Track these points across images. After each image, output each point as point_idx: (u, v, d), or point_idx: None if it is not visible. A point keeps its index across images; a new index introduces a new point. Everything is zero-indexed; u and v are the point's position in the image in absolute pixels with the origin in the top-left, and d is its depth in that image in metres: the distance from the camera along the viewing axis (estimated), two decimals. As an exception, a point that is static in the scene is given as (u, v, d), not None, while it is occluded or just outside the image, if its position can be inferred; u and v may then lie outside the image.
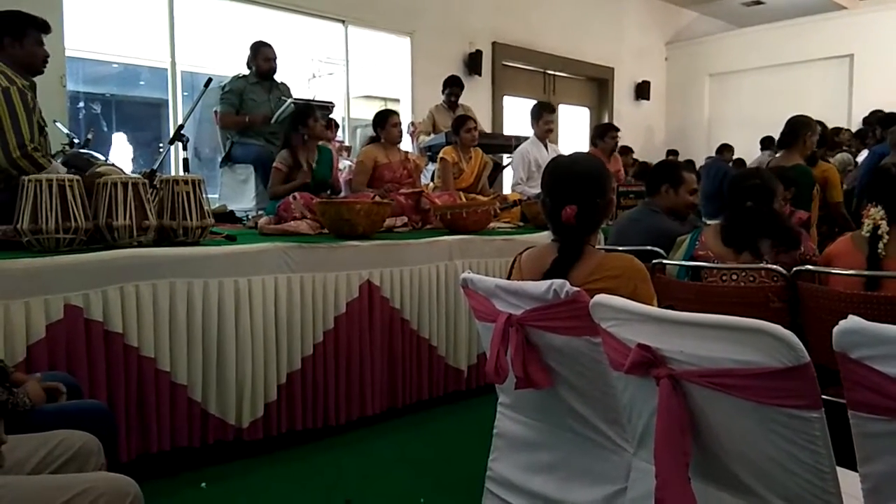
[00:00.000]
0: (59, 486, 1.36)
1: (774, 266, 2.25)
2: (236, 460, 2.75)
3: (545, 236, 3.64)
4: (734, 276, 2.36)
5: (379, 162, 4.38)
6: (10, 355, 2.11)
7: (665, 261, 2.58)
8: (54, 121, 4.46)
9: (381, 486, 2.62)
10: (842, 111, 9.29)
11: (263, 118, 4.68)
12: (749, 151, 8.74)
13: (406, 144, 6.60)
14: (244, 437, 2.76)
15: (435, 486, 2.63)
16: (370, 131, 4.80)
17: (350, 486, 2.59)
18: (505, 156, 6.62)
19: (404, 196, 4.05)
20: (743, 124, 10.01)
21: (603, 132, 5.62)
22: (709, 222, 3.38)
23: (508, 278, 1.88)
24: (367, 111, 7.29)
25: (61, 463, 1.55)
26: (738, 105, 10.58)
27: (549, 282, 1.50)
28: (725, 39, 10.83)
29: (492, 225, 4.07)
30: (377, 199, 3.66)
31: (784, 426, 1.09)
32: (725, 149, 8.87)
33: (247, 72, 4.92)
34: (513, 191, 5.26)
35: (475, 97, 6.57)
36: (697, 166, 6.96)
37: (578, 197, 1.74)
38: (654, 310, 1.31)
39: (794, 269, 2.23)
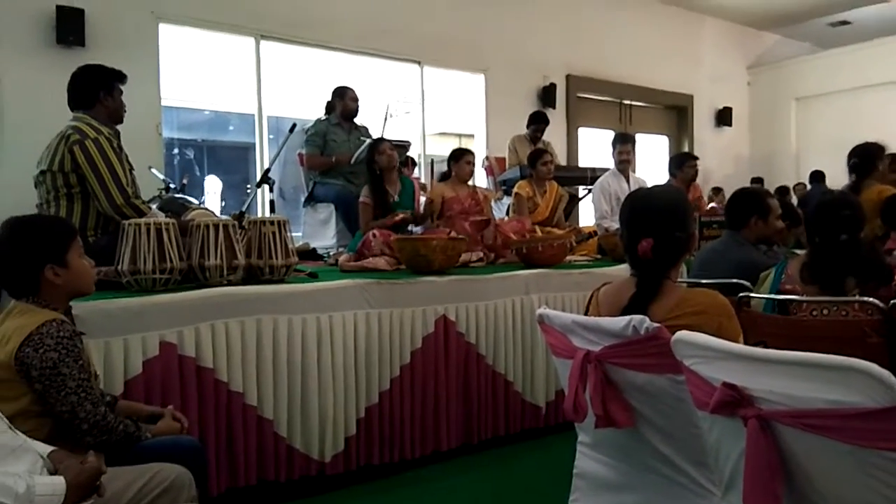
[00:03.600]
0: (154, 518, 1.43)
1: (870, 299, 2.13)
2: (318, 494, 2.79)
3: (624, 269, 3.58)
4: (825, 311, 2.24)
5: (446, 196, 4.45)
6: (108, 390, 2.23)
7: (752, 294, 2.48)
8: (150, 167, 4.75)
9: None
10: (939, 132, 8.75)
11: (348, 157, 4.86)
12: (836, 176, 8.33)
13: (481, 180, 6.66)
14: (327, 471, 2.80)
15: (515, 525, 2.59)
16: (443, 167, 4.89)
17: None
18: (581, 188, 6.57)
19: (469, 224, 4.06)
20: (833, 149, 9.53)
21: (681, 162, 5.48)
22: (798, 252, 3.23)
23: (586, 314, 1.86)
24: (443, 148, 7.41)
25: (156, 495, 1.63)
26: (827, 129, 10.13)
27: (627, 318, 1.48)
28: (812, 62, 10.45)
29: (568, 258, 4.03)
30: (453, 234, 3.70)
31: (883, 470, 1.03)
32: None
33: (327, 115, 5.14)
34: (597, 225, 5.18)
35: (550, 130, 6.58)
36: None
37: (655, 230, 1.71)
38: (740, 347, 1.28)
39: (893, 301, 2.10)
